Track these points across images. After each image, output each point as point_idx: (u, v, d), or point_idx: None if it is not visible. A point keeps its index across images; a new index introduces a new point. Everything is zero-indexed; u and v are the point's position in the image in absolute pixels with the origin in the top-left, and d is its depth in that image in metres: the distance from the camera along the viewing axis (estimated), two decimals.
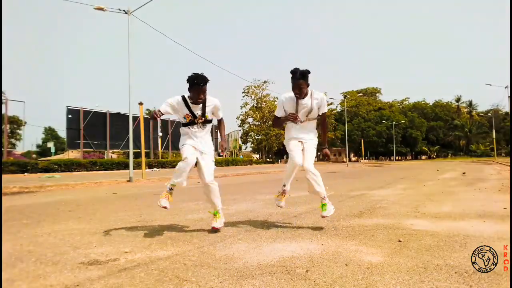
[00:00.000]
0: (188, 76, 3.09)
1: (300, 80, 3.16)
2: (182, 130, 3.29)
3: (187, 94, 3.20)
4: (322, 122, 3.54)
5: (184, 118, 3.21)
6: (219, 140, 3.71)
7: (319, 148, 3.59)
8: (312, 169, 3.28)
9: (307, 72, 3.21)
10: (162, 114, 3.15)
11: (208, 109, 3.24)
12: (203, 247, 2.68)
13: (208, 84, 3.12)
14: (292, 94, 3.30)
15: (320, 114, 3.40)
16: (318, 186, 3.29)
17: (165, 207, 3.11)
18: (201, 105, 3.19)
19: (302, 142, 3.36)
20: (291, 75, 3.22)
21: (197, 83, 3.05)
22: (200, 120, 3.22)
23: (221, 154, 42.33)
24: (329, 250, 2.53)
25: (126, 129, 22.19)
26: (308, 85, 3.25)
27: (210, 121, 3.35)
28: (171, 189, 3.16)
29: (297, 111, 3.30)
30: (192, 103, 3.17)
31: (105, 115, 28.50)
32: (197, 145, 3.21)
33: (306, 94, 3.28)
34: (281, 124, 3.51)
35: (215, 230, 3.23)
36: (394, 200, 5.36)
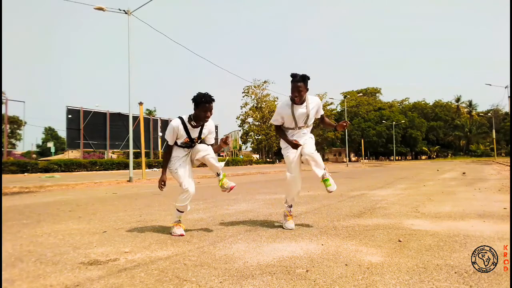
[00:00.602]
0: (194, 96, 3.04)
1: (300, 82, 3.17)
2: (176, 150, 3.22)
3: (184, 115, 3.16)
4: (322, 121, 3.60)
5: (182, 142, 3.19)
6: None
7: (336, 127, 3.53)
8: (313, 151, 3.26)
9: (307, 76, 3.23)
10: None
11: (205, 131, 3.22)
12: (203, 247, 2.68)
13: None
14: (288, 100, 3.32)
15: (319, 117, 3.46)
16: (319, 164, 3.27)
17: (182, 235, 3.10)
18: (198, 128, 3.16)
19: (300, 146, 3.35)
20: (291, 79, 3.22)
21: (206, 101, 3.00)
22: (197, 142, 3.23)
23: (221, 154, 42.38)
24: (329, 250, 2.53)
25: (126, 129, 22.24)
26: (307, 89, 3.25)
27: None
28: (179, 220, 3.20)
29: (294, 117, 3.30)
30: (191, 127, 3.13)
31: (105, 115, 28.52)
32: (186, 153, 3.23)
33: (304, 100, 3.28)
34: (281, 137, 3.51)
35: (232, 189, 3.22)
36: (394, 200, 5.36)
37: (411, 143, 66.63)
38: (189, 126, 3.12)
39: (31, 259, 2.43)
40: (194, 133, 3.17)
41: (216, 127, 3.65)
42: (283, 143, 3.45)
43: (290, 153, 3.33)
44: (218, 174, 3.26)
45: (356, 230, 3.19)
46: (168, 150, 3.23)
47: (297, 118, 3.31)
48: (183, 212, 3.19)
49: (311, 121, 3.39)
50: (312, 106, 3.31)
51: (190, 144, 3.20)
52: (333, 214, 4.14)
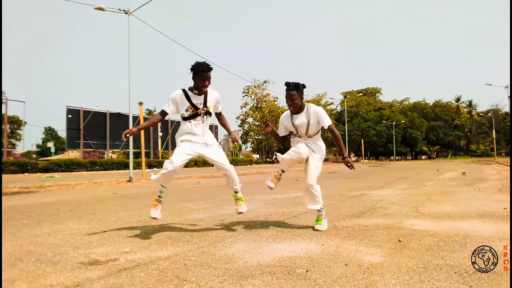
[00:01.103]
0: (192, 65, 3.04)
1: (292, 91, 3.19)
2: (183, 125, 3.19)
3: (186, 87, 3.16)
4: (332, 135, 3.35)
5: (187, 110, 3.13)
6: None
7: (341, 159, 3.51)
8: (314, 183, 3.25)
9: (300, 84, 3.24)
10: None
11: (210, 100, 3.19)
12: (203, 247, 2.68)
13: (211, 72, 3.09)
14: (288, 111, 3.37)
15: (325, 127, 3.27)
16: (316, 200, 3.29)
17: (155, 218, 3.09)
18: (202, 96, 3.14)
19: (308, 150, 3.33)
20: (285, 88, 3.25)
21: (202, 70, 3.00)
22: (202, 111, 3.16)
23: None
24: (329, 250, 2.53)
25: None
26: (301, 98, 3.25)
27: (211, 114, 3.30)
28: (160, 196, 3.14)
29: (294, 125, 3.31)
30: (193, 94, 3.11)
31: (105, 115, 28.52)
32: (199, 140, 3.14)
33: (301, 109, 3.27)
34: (280, 140, 3.55)
35: (240, 214, 3.38)
36: (394, 200, 5.36)
37: (411, 143, 66.61)
38: (190, 93, 3.11)
39: (31, 259, 2.43)
40: (197, 100, 3.13)
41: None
42: (291, 144, 3.46)
43: (298, 143, 3.34)
44: (235, 192, 3.38)
45: (356, 230, 3.19)
46: (158, 114, 3.19)
47: (298, 128, 3.31)
48: (163, 187, 3.11)
49: (313, 131, 3.32)
50: (313, 115, 3.25)
51: (196, 113, 3.13)
52: (333, 214, 4.14)
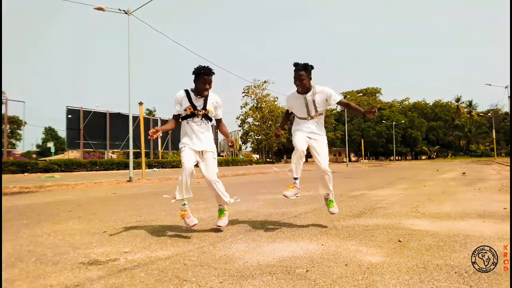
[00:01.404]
0: (194, 68, 3.12)
1: (301, 71, 3.21)
2: (182, 127, 3.25)
3: (190, 88, 3.22)
4: (346, 106, 3.53)
5: (185, 110, 3.18)
6: (220, 140, 3.75)
7: (364, 113, 3.37)
8: (327, 168, 3.34)
9: (309, 65, 3.26)
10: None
11: (209, 103, 3.22)
12: (203, 247, 2.68)
13: (213, 76, 3.14)
14: (294, 91, 3.37)
15: (336, 103, 3.34)
16: (329, 185, 3.39)
17: (196, 224, 3.11)
18: (202, 99, 3.19)
19: (310, 138, 3.36)
20: (294, 68, 3.27)
21: (204, 73, 3.07)
22: (200, 112, 3.19)
23: (221, 154, 42.33)
24: (329, 250, 2.53)
25: (126, 129, 22.19)
26: (310, 78, 3.28)
27: (211, 119, 3.32)
28: (184, 204, 3.14)
29: (300, 106, 3.35)
30: (195, 96, 3.18)
31: (105, 115, 28.50)
32: (196, 144, 3.17)
33: (308, 90, 3.31)
34: (286, 120, 3.61)
35: (218, 228, 3.26)
36: (394, 200, 5.36)
37: (411, 143, 66.61)
38: (192, 95, 3.18)
39: (31, 259, 2.43)
40: (198, 102, 3.19)
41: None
42: (293, 127, 3.51)
43: (296, 134, 3.36)
44: (219, 210, 3.35)
45: (356, 230, 3.19)
46: (171, 120, 3.30)
47: (304, 107, 3.34)
48: (186, 196, 3.10)
49: (322, 109, 3.38)
50: (320, 94, 3.31)
51: (193, 112, 3.18)
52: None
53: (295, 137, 3.36)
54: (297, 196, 3.31)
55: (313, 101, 3.30)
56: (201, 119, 3.21)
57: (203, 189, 8.16)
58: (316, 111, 3.35)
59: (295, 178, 3.36)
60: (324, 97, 3.33)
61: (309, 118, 3.38)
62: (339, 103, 3.38)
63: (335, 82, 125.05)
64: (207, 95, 3.19)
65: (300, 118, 3.44)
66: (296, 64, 3.26)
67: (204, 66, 3.11)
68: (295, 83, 3.28)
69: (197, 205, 5.16)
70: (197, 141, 3.17)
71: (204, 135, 3.21)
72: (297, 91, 3.34)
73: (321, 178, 3.38)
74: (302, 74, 3.22)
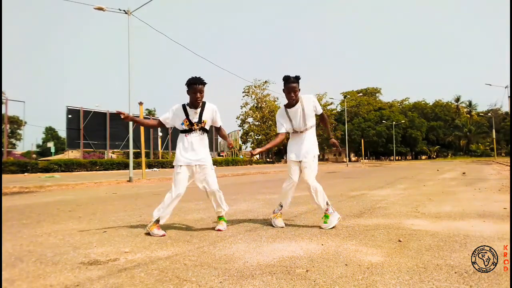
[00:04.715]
0: (187, 80, 3.20)
1: (294, 83, 3.24)
2: (179, 137, 3.33)
3: (187, 101, 3.29)
4: (322, 119, 3.58)
5: (182, 124, 3.27)
6: (220, 140, 3.79)
7: (327, 141, 3.65)
8: (313, 182, 3.31)
9: (299, 77, 3.29)
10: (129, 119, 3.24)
11: (205, 114, 3.28)
12: (203, 247, 2.68)
13: (205, 86, 3.22)
14: (282, 109, 3.42)
15: (318, 113, 3.43)
16: (317, 199, 3.33)
17: (164, 235, 3.12)
18: (198, 110, 3.24)
19: (301, 162, 3.35)
20: (284, 82, 3.27)
21: (194, 83, 3.15)
22: (197, 127, 3.26)
23: (221, 154, 42.33)
24: (329, 250, 2.53)
25: (126, 129, 22.21)
26: (299, 90, 3.32)
27: (207, 131, 3.37)
28: (158, 221, 3.18)
29: (291, 120, 3.36)
30: (191, 109, 3.24)
31: (105, 115, 28.50)
32: (192, 158, 3.22)
33: (296, 101, 3.33)
34: (275, 144, 3.57)
35: (219, 231, 3.30)
36: (394, 200, 5.36)
37: (411, 143, 66.61)
38: (188, 108, 3.25)
39: (31, 259, 2.43)
40: (194, 117, 3.25)
41: None
42: (288, 148, 3.52)
43: (290, 164, 3.44)
44: (219, 217, 3.41)
45: (356, 230, 3.19)
46: (156, 119, 3.43)
47: (296, 120, 3.35)
48: (163, 216, 3.18)
49: (312, 121, 3.40)
50: (307, 103, 3.34)
51: (190, 127, 3.24)
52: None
53: (289, 164, 3.45)
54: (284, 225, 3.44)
55: (302, 111, 3.32)
56: (197, 132, 3.28)
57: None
58: (305, 123, 3.35)
59: (281, 206, 3.49)
60: (312, 104, 3.36)
61: (299, 132, 3.38)
62: (320, 114, 3.46)
63: (335, 82, 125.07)
64: (202, 106, 3.26)
65: (295, 132, 3.43)
66: (287, 78, 3.25)
67: (194, 76, 3.19)
68: (288, 96, 3.28)
69: (197, 205, 5.15)
70: (193, 154, 3.23)
71: (200, 146, 3.27)
72: (288, 105, 3.35)
73: (310, 194, 3.35)
74: (295, 86, 3.24)
